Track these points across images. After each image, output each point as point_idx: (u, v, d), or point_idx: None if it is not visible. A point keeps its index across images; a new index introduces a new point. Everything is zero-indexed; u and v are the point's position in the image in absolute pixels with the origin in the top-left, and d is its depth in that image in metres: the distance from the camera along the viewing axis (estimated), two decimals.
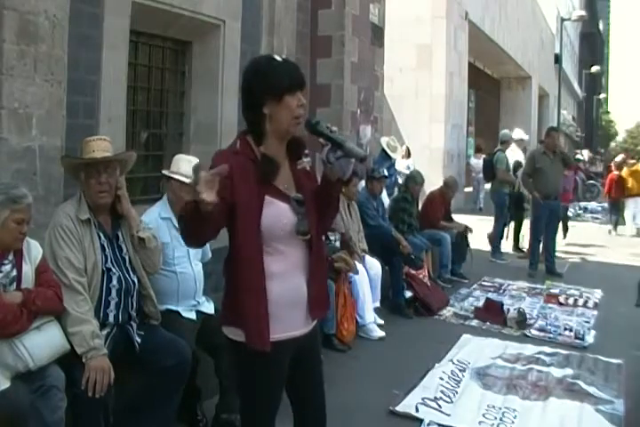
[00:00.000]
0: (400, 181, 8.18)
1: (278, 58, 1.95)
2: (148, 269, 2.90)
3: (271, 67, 1.91)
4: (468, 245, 7.06)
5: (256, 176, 1.88)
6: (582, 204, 15.98)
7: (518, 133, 9.34)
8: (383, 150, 7.29)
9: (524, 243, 8.37)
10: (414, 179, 6.46)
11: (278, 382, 2.02)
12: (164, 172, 3.32)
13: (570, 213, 13.20)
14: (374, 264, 5.14)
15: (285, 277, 1.93)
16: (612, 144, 73.77)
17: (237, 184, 1.85)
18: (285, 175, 1.96)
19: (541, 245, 7.46)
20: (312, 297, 2.00)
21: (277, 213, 1.89)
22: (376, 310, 4.99)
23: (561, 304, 6.00)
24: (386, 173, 5.93)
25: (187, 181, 3.22)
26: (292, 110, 1.88)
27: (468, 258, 7.04)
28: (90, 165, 2.69)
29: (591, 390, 3.81)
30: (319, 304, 2.06)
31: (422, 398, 3.59)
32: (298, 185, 1.97)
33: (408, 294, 5.56)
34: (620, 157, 12.50)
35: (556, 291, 6.46)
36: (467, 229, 7.04)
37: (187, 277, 3.19)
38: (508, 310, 5.38)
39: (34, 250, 2.48)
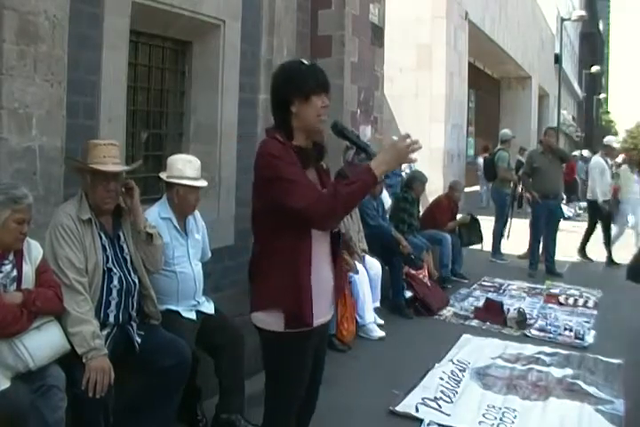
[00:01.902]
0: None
1: (306, 62, 2.14)
2: (150, 268, 2.90)
3: (300, 70, 2.10)
4: (479, 225, 7.19)
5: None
6: (582, 204, 15.96)
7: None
8: None
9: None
10: (417, 179, 6.47)
11: (307, 371, 2.16)
12: (164, 177, 3.24)
13: (570, 213, 13.22)
14: (374, 264, 5.14)
15: (318, 266, 2.08)
16: None
17: None
18: (313, 173, 2.15)
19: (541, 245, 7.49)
20: (336, 284, 2.20)
21: None
22: (376, 310, 4.99)
23: (561, 304, 6.00)
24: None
25: (195, 184, 3.21)
26: (317, 109, 2.06)
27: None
28: (99, 171, 2.69)
29: (591, 390, 3.82)
30: (339, 289, 2.28)
31: (422, 398, 3.59)
32: (321, 182, 2.15)
33: (408, 294, 5.56)
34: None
35: (556, 291, 6.48)
36: (472, 218, 7.16)
37: (186, 277, 3.19)
38: (508, 310, 5.39)
39: (34, 250, 2.48)
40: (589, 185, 8.78)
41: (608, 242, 8.44)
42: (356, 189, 1.95)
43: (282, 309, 2.04)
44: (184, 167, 3.21)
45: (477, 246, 7.62)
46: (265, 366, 2.17)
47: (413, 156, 1.99)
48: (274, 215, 2.01)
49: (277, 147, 2.04)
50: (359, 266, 4.84)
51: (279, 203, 1.98)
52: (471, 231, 7.11)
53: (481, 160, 14.27)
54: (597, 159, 8.76)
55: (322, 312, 2.12)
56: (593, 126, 52.35)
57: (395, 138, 7.34)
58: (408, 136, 1.98)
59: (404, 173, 8.03)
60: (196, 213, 3.36)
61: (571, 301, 6.13)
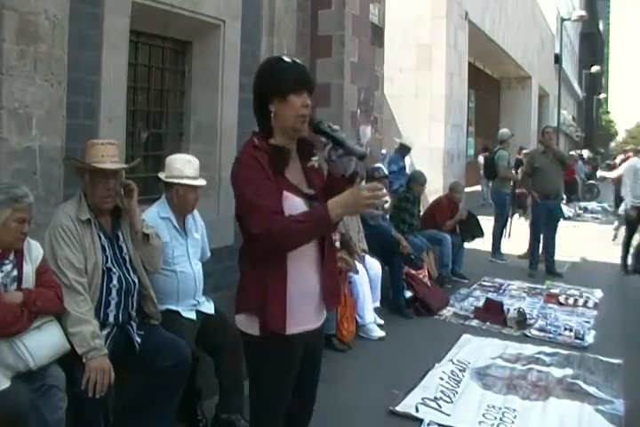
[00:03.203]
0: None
1: (287, 59, 2.03)
2: (149, 268, 2.90)
3: (278, 67, 2.00)
4: (476, 220, 7.15)
5: (270, 167, 1.95)
6: (582, 204, 15.99)
7: None
8: (399, 149, 8.14)
9: None
10: (417, 179, 6.48)
11: (291, 376, 2.08)
12: (163, 177, 3.23)
13: (570, 213, 13.26)
14: (374, 264, 5.14)
15: (300, 271, 2.00)
16: (612, 144, 73.82)
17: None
18: (297, 173, 2.05)
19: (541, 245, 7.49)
20: (325, 289, 2.07)
21: (294, 207, 1.95)
22: (376, 310, 4.99)
23: (561, 304, 6.00)
24: (386, 172, 5.95)
25: (195, 183, 3.21)
26: (296, 109, 1.96)
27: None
28: (99, 170, 2.69)
29: (591, 390, 3.82)
30: (333, 294, 2.14)
31: (422, 398, 3.59)
32: (309, 182, 2.06)
33: (408, 294, 5.56)
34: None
35: (556, 291, 6.47)
36: (469, 214, 7.11)
37: (186, 276, 3.19)
38: (508, 310, 5.39)
39: (34, 250, 2.48)
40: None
41: (628, 246, 7.87)
42: (305, 229, 1.87)
43: (255, 314, 1.98)
44: (183, 167, 3.21)
45: (479, 242, 7.57)
46: (247, 369, 2.13)
47: (375, 209, 1.89)
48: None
49: (248, 154, 1.96)
50: (359, 266, 4.84)
51: (239, 219, 1.97)
52: (471, 226, 7.09)
53: (482, 159, 14.49)
54: (632, 162, 8.05)
55: (303, 320, 2.02)
56: (593, 126, 52.39)
57: (397, 139, 7.49)
58: (378, 188, 1.87)
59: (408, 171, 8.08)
60: (195, 212, 3.36)
61: (571, 301, 6.12)
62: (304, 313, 2.03)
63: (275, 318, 1.96)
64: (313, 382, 2.24)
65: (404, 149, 8.28)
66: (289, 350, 2.03)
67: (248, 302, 2.01)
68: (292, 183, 2.00)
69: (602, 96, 62.44)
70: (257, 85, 2.03)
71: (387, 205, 6.23)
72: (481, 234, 7.23)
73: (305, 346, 2.09)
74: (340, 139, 1.95)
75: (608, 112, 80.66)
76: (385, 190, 1.89)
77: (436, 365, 4.14)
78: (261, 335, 1.98)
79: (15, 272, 2.38)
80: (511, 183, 8.46)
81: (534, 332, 5.07)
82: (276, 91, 1.96)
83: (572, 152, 18.57)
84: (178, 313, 3.12)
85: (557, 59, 24.28)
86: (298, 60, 2.08)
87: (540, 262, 7.43)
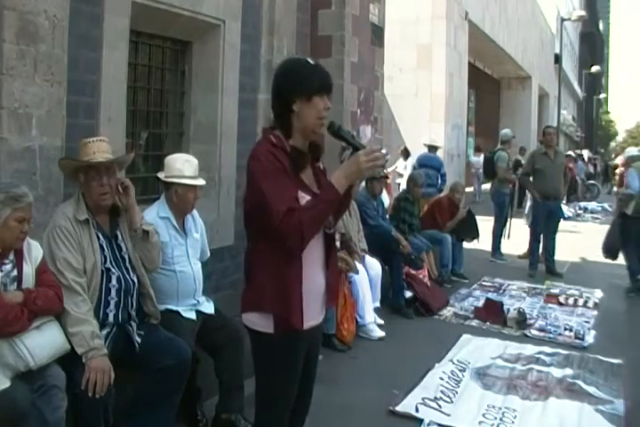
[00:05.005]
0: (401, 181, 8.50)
1: (311, 61, 2.08)
2: (148, 266, 2.89)
3: (305, 68, 2.05)
4: (474, 220, 7.12)
5: (289, 168, 1.99)
6: (582, 204, 15.99)
7: None
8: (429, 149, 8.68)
9: None
10: (415, 180, 6.48)
11: (299, 371, 2.12)
12: (163, 177, 3.22)
13: (570, 213, 13.28)
14: (374, 264, 5.14)
15: (312, 269, 2.05)
16: (612, 144, 73.89)
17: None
18: (309, 174, 2.10)
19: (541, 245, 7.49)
20: (329, 287, 2.14)
21: None
22: (376, 310, 4.99)
23: (561, 304, 6.00)
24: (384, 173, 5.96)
25: (195, 183, 3.21)
26: (319, 111, 2.01)
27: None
28: (90, 167, 2.70)
29: (591, 390, 3.82)
30: (333, 293, 2.23)
31: (422, 398, 3.59)
32: (318, 183, 2.10)
33: (408, 294, 5.56)
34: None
35: (556, 291, 6.47)
36: (469, 212, 7.08)
37: (186, 276, 3.19)
38: (508, 310, 5.39)
39: (34, 250, 2.48)
40: None
41: None
42: (319, 212, 1.92)
43: (271, 312, 2.01)
44: (183, 166, 3.21)
45: (474, 243, 7.54)
46: (255, 366, 2.15)
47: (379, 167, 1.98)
48: (261, 217, 1.97)
49: (266, 150, 1.99)
50: (359, 266, 4.84)
51: (259, 213, 1.98)
52: (469, 226, 7.06)
53: (474, 159, 14.74)
54: None
55: (312, 316, 2.08)
56: (593, 126, 52.37)
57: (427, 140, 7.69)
58: (376, 150, 1.95)
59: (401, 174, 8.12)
60: (195, 212, 3.36)
61: (571, 301, 6.12)
62: (314, 309, 2.09)
63: (295, 315, 2.00)
64: (310, 379, 2.27)
65: (432, 149, 8.80)
66: (299, 345, 2.08)
67: (263, 300, 2.03)
68: (306, 184, 2.04)
69: (602, 96, 62.44)
70: (280, 85, 2.06)
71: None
72: (477, 235, 7.20)
73: (309, 342, 2.14)
74: (358, 145, 2.03)
75: (608, 112, 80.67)
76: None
77: (436, 365, 4.14)
78: (275, 332, 2.02)
79: (15, 272, 2.38)
80: (510, 185, 8.46)
81: (534, 332, 5.07)
82: (301, 91, 1.99)
83: (570, 152, 18.49)
84: (178, 313, 3.11)
85: (557, 59, 24.28)
86: (319, 63, 2.11)
87: (540, 262, 7.43)
